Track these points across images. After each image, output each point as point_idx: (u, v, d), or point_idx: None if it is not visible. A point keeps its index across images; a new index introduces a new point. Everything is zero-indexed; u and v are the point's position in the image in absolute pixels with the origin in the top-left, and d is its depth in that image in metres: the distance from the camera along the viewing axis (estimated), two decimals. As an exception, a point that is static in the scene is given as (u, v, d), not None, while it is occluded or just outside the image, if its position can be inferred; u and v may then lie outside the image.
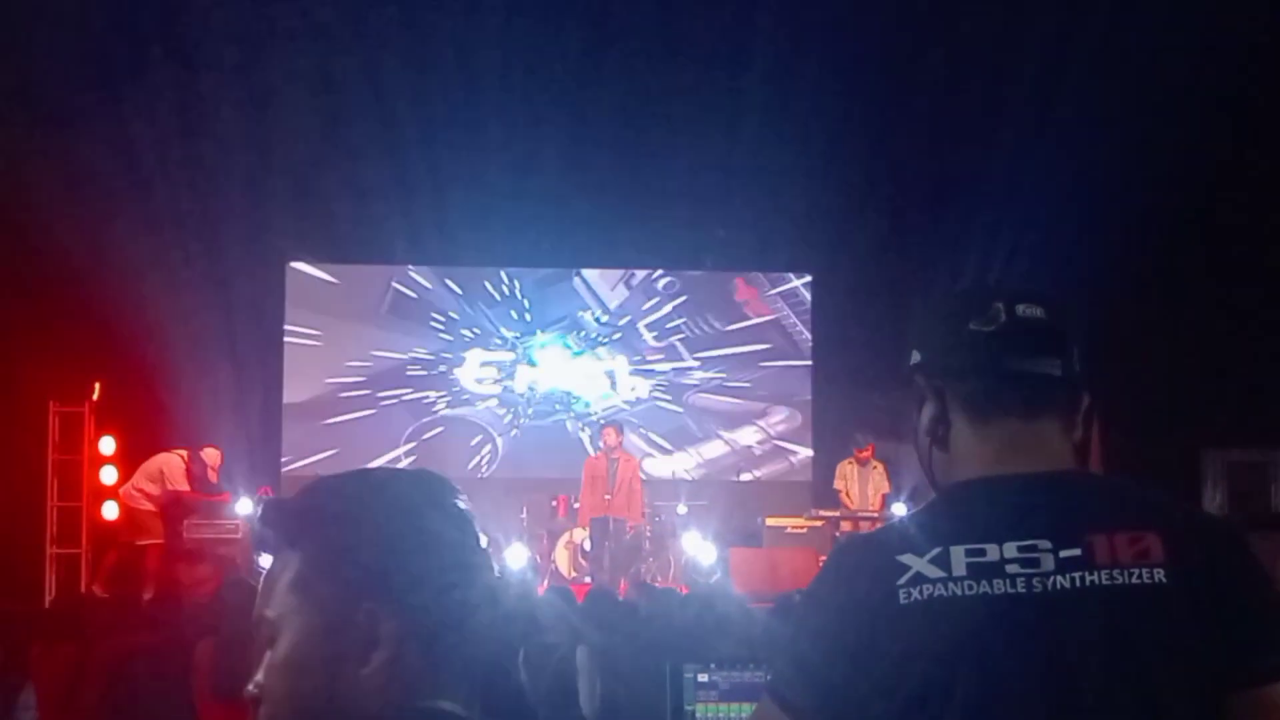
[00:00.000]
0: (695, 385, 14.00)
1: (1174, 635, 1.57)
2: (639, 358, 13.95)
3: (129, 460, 11.44)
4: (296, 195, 12.23)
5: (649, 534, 11.44)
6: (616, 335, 13.95)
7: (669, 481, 13.15)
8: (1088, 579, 1.59)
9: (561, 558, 11.51)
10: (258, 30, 10.98)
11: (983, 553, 1.61)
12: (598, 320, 13.95)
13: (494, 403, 13.71)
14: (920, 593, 1.59)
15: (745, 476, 13.87)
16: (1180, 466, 10.89)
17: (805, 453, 13.83)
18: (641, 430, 13.75)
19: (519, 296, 13.82)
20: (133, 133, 10.93)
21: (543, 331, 13.83)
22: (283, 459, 13.08)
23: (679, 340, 14.01)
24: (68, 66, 10.61)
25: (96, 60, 10.62)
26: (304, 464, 12.96)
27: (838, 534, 11.09)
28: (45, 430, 11.63)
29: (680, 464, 13.80)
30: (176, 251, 11.55)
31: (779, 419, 14.03)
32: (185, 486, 10.94)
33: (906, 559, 1.62)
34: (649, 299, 14.03)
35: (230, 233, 12.09)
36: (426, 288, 13.78)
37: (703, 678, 3.54)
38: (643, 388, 13.90)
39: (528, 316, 13.81)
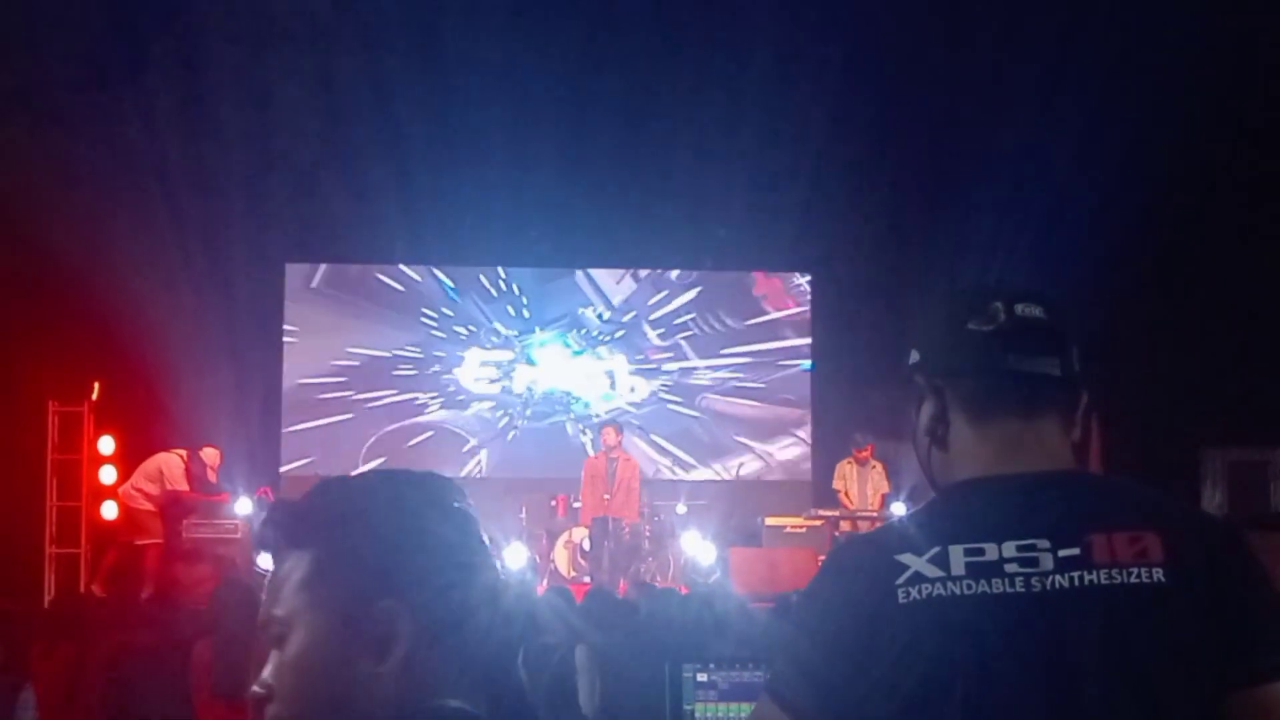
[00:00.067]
0: (708, 386, 13.77)
1: (1173, 635, 1.57)
2: (641, 356, 13.79)
3: (128, 460, 11.44)
4: (296, 195, 12.23)
5: (648, 534, 11.44)
6: (619, 333, 13.79)
7: (669, 481, 13.13)
8: (1087, 578, 1.59)
9: (561, 557, 11.51)
10: (256, 30, 10.98)
11: (981, 552, 1.61)
12: (600, 317, 13.79)
13: (488, 404, 13.52)
14: (919, 592, 1.59)
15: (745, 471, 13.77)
16: (1180, 466, 10.88)
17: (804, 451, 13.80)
18: (653, 438, 13.56)
19: (516, 292, 13.67)
20: (131, 133, 10.93)
21: (542, 329, 13.69)
22: (281, 459, 13.07)
23: (685, 338, 13.80)
24: (68, 66, 10.62)
25: (96, 60, 10.62)
26: (303, 463, 12.97)
27: (837, 534, 11.10)
28: (45, 430, 11.63)
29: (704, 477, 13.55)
30: (175, 251, 11.55)
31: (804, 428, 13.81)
32: (184, 486, 10.94)
33: (905, 558, 1.62)
34: (659, 291, 13.83)
35: (230, 233, 12.08)
36: (415, 280, 13.60)
37: (702, 677, 3.54)
38: (643, 387, 13.78)
39: (525, 313, 13.67)
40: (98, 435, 11.66)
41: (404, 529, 1.37)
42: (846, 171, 12.14)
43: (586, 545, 11.33)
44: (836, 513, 11.47)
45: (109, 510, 11.40)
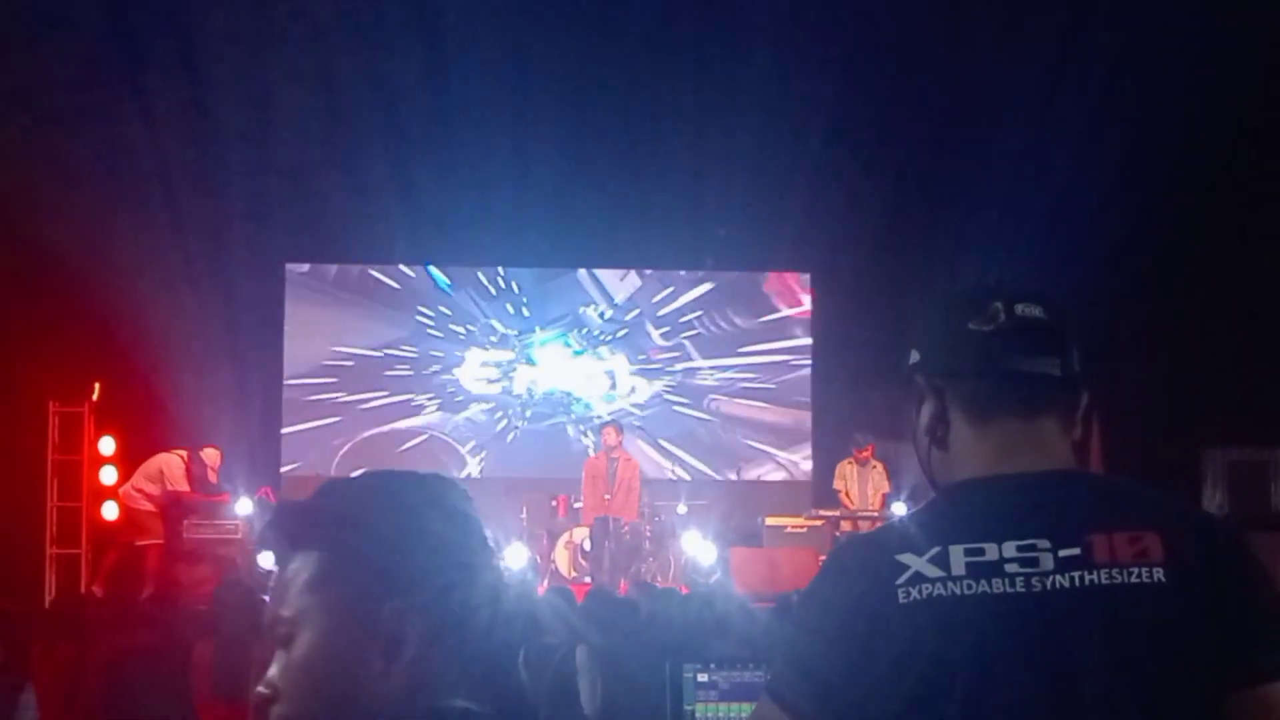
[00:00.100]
0: (714, 387, 13.64)
1: (1173, 635, 1.57)
2: (643, 356, 13.67)
3: (129, 460, 11.44)
4: (296, 196, 12.22)
5: (649, 534, 11.44)
6: (621, 332, 13.66)
7: (669, 481, 13.12)
8: (1087, 578, 1.59)
9: (561, 558, 11.51)
10: (256, 30, 10.97)
11: (982, 552, 1.61)
12: (601, 315, 13.68)
13: (488, 406, 13.42)
14: (919, 592, 1.59)
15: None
16: (1180, 465, 10.88)
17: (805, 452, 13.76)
18: (661, 442, 13.45)
19: (516, 290, 13.56)
20: (131, 133, 10.92)
21: (542, 329, 13.61)
22: (282, 459, 13.06)
23: (689, 337, 13.65)
24: (68, 66, 10.61)
25: (96, 60, 10.62)
26: (303, 464, 12.97)
27: (838, 534, 11.10)
28: (45, 430, 11.63)
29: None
30: (176, 251, 11.55)
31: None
32: (185, 487, 10.94)
33: (906, 558, 1.62)
34: (665, 287, 13.69)
35: (230, 232, 12.08)
36: (412, 278, 13.50)
37: (703, 678, 3.54)
38: (644, 388, 13.69)
39: (525, 312, 13.58)
40: (98, 436, 11.66)
41: (407, 530, 1.37)
42: (847, 171, 12.14)
43: (587, 545, 11.33)
44: (837, 513, 11.47)
45: (110, 511, 11.40)
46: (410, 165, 11.78)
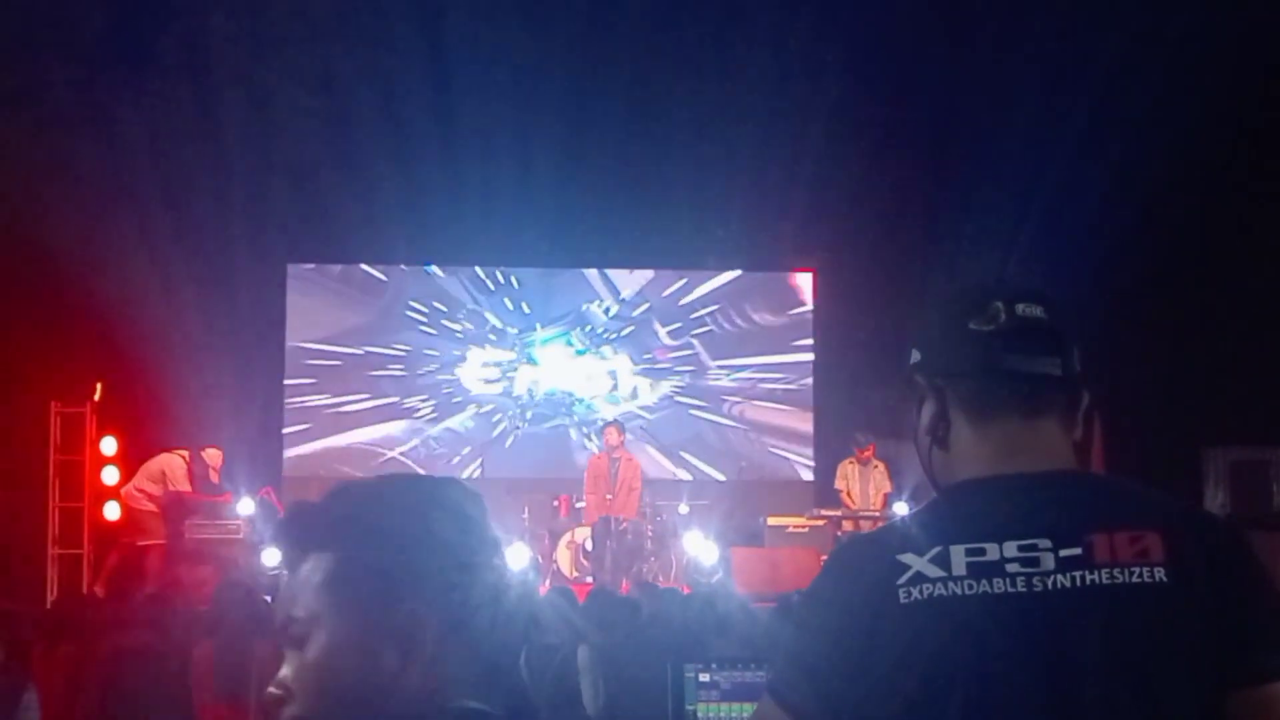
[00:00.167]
0: (732, 389, 13.42)
1: (1174, 634, 1.57)
2: (649, 355, 13.49)
3: (131, 461, 11.44)
4: (297, 196, 12.22)
5: (650, 534, 11.44)
6: (627, 330, 13.49)
7: (670, 481, 13.11)
8: (1088, 578, 1.59)
9: (563, 558, 11.50)
10: (257, 30, 10.98)
11: (983, 552, 1.61)
12: (607, 312, 13.51)
13: (485, 408, 13.28)
14: (920, 592, 1.59)
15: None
16: (1181, 465, 10.86)
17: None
18: (678, 452, 13.30)
19: (515, 285, 13.42)
20: (132, 133, 10.92)
21: (543, 327, 13.50)
22: (283, 459, 13.06)
23: (700, 334, 13.44)
24: (68, 67, 10.61)
25: (98, 60, 10.62)
26: (306, 457, 12.98)
27: (839, 534, 11.09)
28: (47, 431, 11.63)
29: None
30: (177, 252, 11.55)
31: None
32: (187, 487, 10.93)
33: (907, 558, 1.62)
34: (679, 279, 13.48)
35: (231, 233, 12.08)
36: (409, 273, 13.39)
37: (704, 678, 3.55)
38: (645, 388, 13.53)
39: (525, 308, 13.45)
40: (100, 436, 11.66)
41: (416, 531, 1.38)
42: (849, 169, 12.12)
43: (589, 546, 11.33)
44: (839, 513, 11.46)
45: (111, 511, 11.40)
46: (411, 165, 11.77)
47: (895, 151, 12.20)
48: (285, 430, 13.06)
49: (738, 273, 13.55)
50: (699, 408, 13.57)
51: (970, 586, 1.59)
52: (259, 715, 5.18)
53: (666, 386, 13.57)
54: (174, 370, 11.24)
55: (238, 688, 5.01)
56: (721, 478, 13.36)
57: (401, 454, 13.18)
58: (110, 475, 11.57)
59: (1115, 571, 1.59)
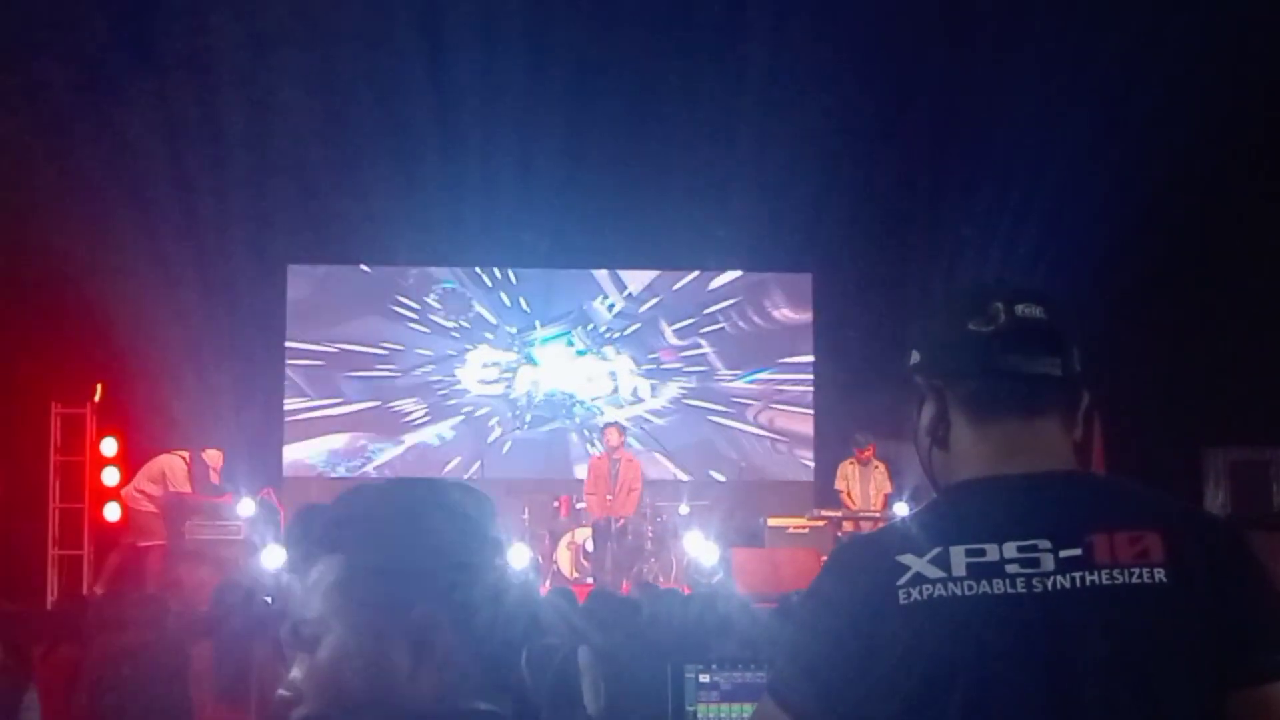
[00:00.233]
0: (747, 392, 13.22)
1: (1174, 635, 1.57)
2: (654, 355, 13.36)
3: (131, 461, 11.44)
4: (298, 197, 12.22)
5: (651, 534, 11.44)
6: (631, 328, 13.34)
7: (670, 482, 13.10)
8: (1088, 579, 1.59)
9: (563, 558, 11.50)
10: (257, 30, 10.97)
11: (982, 553, 1.61)
12: (610, 309, 13.36)
13: (484, 410, 13.22)
14: (920, 593, 1.59)
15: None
16: (1182, 465, 10.87)
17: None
18: (685, 457, 13.17)
19: (514, 281, 13.31)
20: (132, 134, 10.93)
21: (543, 325, 13.41)
22: (284, 460, 13.05)
23: (711, 332, 13.29)
24: (68, 67, 10.61)
25: (97, 61, 10.62)
26: (306, 464, 12.97)
27: (840, 534, 11.08)
28: (47, 431, 11.63)
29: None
30: (178, 253, 11.54)
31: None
32: (187, 488, 10.94)
33: (906, 559, 1.62)
34: (690, 273, 13.30)
35: (232, 234, 12.08)
36: (409, 273, 13.29)
37: (704, 678, 3.55)
38: (646, 389, 13.44)
39: (525, 306, 13.36)
40: (100, 437, 11.65)
41: (422, 533, 1.39)
42: (848, 170, 12.12)
43: (589, 546, 11.33)
44: (839, 513, 11.45)
45: (112, 512, 11.40)
46: (412, 166, 11.78)
47: (894, 153, 12.20)
48: (286, 427, 13.04)
49: (739, 274, 13.49)
50: (708, 411, 13.44)
51: (970, 587, 1.59)
52: (258, 715, 5.19)
53: (673, 389, 13.41)
54: (174, 371, 11.24)
55: (237, 688, 5.01)
56: (722, 478, 13.32)
57: (402, 454, 13.16)
58: (110, 476, 11.56)
59: (1115, 572, 1.59)
